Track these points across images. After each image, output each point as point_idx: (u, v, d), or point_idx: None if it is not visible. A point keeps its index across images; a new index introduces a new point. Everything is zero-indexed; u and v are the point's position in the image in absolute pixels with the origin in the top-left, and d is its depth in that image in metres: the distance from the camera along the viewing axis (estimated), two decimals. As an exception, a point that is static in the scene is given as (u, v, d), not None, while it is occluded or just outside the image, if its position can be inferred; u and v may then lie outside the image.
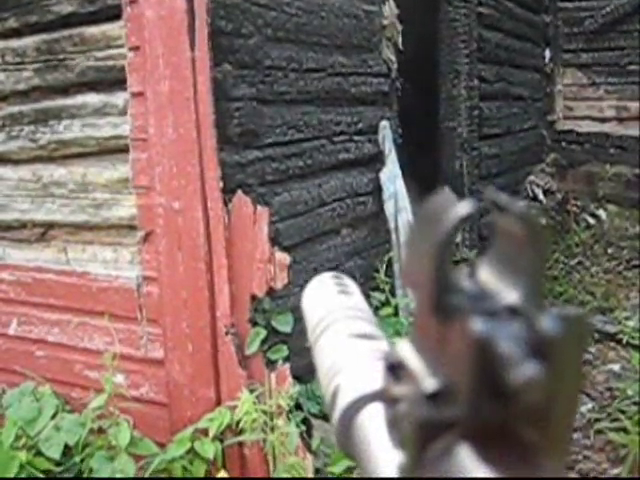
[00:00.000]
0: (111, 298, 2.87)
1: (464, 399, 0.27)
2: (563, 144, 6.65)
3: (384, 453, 0.36)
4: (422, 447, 0.28)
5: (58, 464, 2.67)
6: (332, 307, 0.51)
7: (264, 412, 2.44)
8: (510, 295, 0.28)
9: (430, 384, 0.28)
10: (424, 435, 0.28)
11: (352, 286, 0.55)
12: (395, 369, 0.32)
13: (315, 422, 2.75)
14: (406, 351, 0.31)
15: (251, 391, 2.48)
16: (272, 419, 2.42)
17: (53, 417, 2.80)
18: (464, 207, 0.28)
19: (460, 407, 0.27)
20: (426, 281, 0.29)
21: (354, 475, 2.43)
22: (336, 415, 0.43)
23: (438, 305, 0.28)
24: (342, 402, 0.43)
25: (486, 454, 0.26)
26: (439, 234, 0.28)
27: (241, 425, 2.41)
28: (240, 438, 2.44)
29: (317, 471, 2.56)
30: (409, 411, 0.29)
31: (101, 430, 2.69)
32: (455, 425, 0.28)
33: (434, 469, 0.28)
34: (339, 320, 0.50)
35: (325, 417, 2.83)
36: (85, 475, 2.60)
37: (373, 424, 0.39)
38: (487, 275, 0.30)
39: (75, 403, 2.96)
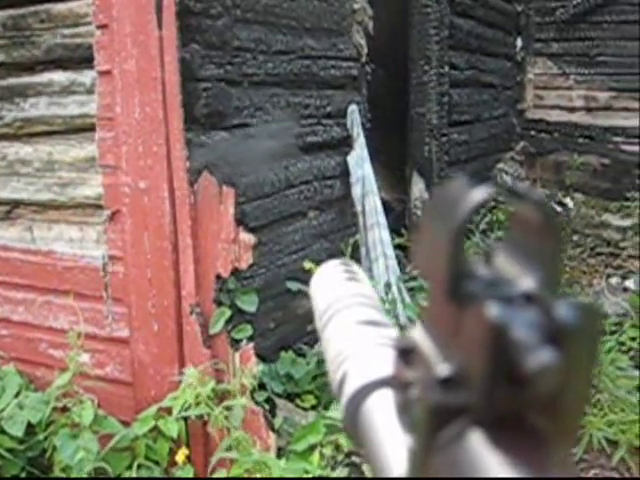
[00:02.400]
0: (76, 277, 2.87)
1: (478, 385, 0.27)
2: (532, 133, 6.72)
3: (391, 440, 0.36)
4: (434, 432, 0.28)
5: (21, 442, 2.67)
6: (340, 294, 0.51)
7: (228, 391, 2.47)
8: (526, 282, 0.28)
9: (443, 369, 0.28)
10: (436, 420, 0.28)
11: (360, 273, 0.55)
12: (406, 354, 0.32)
13: (279, 402, 2.79)
14: (418, 336, 0.31)
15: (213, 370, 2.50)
16: (235, 397, 2.44)
17: (17, 395, 2.79)
18: (479, 193, 0.28)
19: (473, 393, 0.27)
20: (440, 267, 0.29)
21: (316, 451, 2.47)
22: (343, 402, 0.43)
23: (453, 291, 0.28)
24: (349, 389, 0.42)
25: (497, 440, 0.26)
26: (454, 220, 0.28)
27: (189, 402, 2.43)
28: (185, 414, 2.45)
29: (280, 449, 2.60)
30: (421, 395, 0.29)
31: (65, 409, 2.69)
32: (467, 410, 0.27)
33: (445, 454, 0.28)
34: (347, 307, 0.49)
35: (289, 396, 2.86)
36: (48, 453, 2.61)
37: (380, 411, 0.39)
38: (503, 262, 0.30)
39: (39, 382, 2.96)
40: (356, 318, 0.48)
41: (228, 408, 2.46)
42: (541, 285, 0.28)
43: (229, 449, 2.41)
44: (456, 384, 0.28)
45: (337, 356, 0.46)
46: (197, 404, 2.42)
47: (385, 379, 0.41)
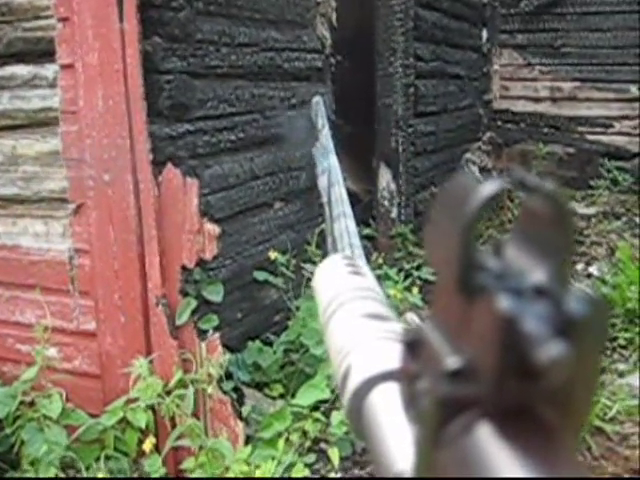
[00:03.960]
0: (43, 271, 2.87)
1: (487, 377, 0.27)
2: (499, 123, 6.81)
3: (396, 434, 0.36)
4: (441, 425, 0.28)
5: (-11, 436, 2.67)
6: (344, 287, 0.51)
7: (193, 381, 2.49)
8: (536, 274, 0.28)
9: (452, 361, 0.28)
10: (444, 412, 0.28)
11: (364, 267, 0.55)
12: (413, 346, 0.31)
13: (247, 391, 2.82)
14: (427, 328, 0.31)
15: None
16: (200, 385, 2.46)
17: (-16, 390, 2.79)
18: (490, 186, 0.28)
19: (482, 385, 0.27)
20: (451, 260, 0.28)
21: (283, 438, 2.50)
22: (347, 396, 0.42)
23: (463, 283, 0.28)
24: (353, 382, 0.42)
25: (506, 433, 0.26)
26: (466, 213, 0.28)
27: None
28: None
29: (248, 438, 2.63)
30: (430, 388, 0.29)
31: (33, 403, 2.69)
32: (476, 403, 0.27)
33: (453, 447, 0.27)
34: (351, 300, 0.50)
35: (257, 385, 2.89)
36: (16, 447, 2.61)
37: (385, 404, 0.39)
38: (513, 254, 0.30)
39: (6, 377, 2.95)
40: (360, 311, 0.48)
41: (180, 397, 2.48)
42: (551, 277, 0.28)
43: (181, 437, 2.44)
44: (465, 376, 0.28)
45: (341, 349, 0.46)
46: (158, 394, 2.45)
47: (389, 372, 0.41)
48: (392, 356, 0.40)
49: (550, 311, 0.26)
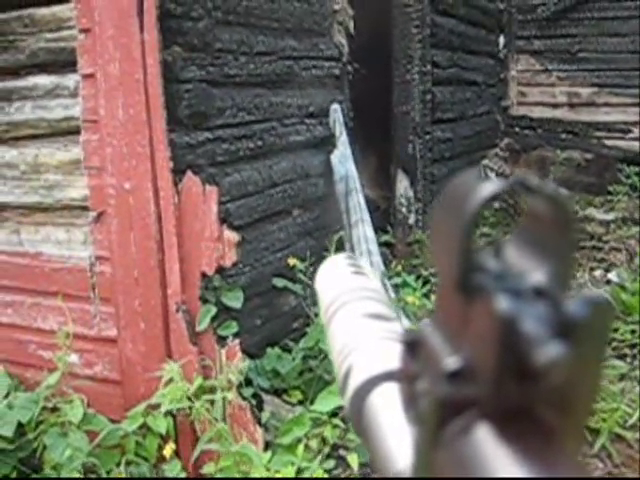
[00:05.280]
0: (64, 278, 2.91)
1: (487, 378, 0.27)
2: (516, 129, 6.79)
3: (396, 433, 0.36)
4: (441, 425, 0.28)
5: (11, 442, 2.70)
6: (346, 287, 0.51)
7: (211, 388, 2.51)
8: (536, 276, 0.28)
9: (452, 362, 0.28)
10: (443, 413, 0.28)
11: (366, 267, 0.55)
12: (413, 347, 0.32)
13: (266, 397, 2.83)
14: (426, 329, 0.31)
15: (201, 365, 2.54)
16: (222, 392, 2.48)
17: (6, 396, 2.83)
18: (489, 187, 0.28)
19: (482, 386, 0.27)
20: (451, 260, 0.28)
21: (302, 444, 2.51)
22: (348, 395, 0.43)
23: (463, 284, 0.28)
24: (355, 382, 0.42)
25: (505, 434, 0.26)
26: (465, 214, 0.28)
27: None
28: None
29: (267, 444, 2.64)
30: (429, 388, 0.29)
31: (55, 409, 2.72)
32: (475, 404, 0.27)
33: (451, 448, 0.27)
34: (352, 300, 0.50)
35: (276, 392, 2.91)
36: (39, 452, 2.64)
37: (385, 404, 0.39)
38: (513, 255, 0.30)
39: (29, 383, 2.99)
40: (362, 311, 0.48)
41: (212, 402, 2.50)
42: (551, 279, 0.28)
43: (210, 441, 2.46)
44: (464, 377, 0.28)
45: (343, 349, 0.46)
46: (182, 399, 2.46)
47: (390, 372, 0.41)
48: (393, 356, 0.39)
49: (549, 312, 0.26)
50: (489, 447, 0.26)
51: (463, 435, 0.27)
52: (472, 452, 0.26)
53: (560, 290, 0.27)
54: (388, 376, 0.41)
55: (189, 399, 2.47)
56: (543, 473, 0.25)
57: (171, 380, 2.44)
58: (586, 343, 0.26)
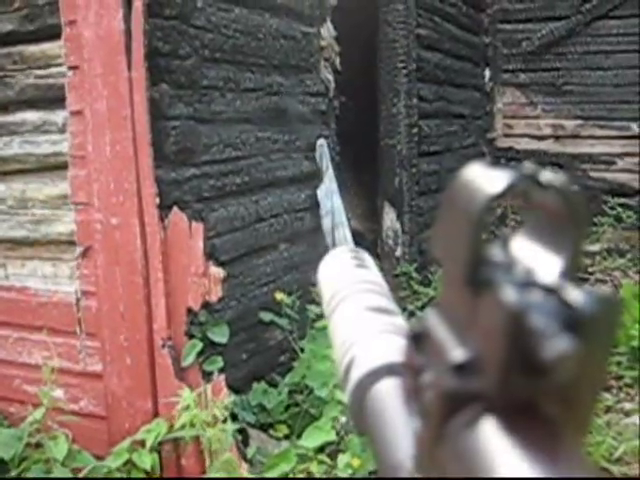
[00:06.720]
0: (50, 313, 2.91)
1: (493, 371, 0.26)
2: (502, 161, 6.86)
3: (398, 427, 0.36)
4: (445, 418, 0.28)
5: (-6, 478, 2.68)
6: (348, 280, 0.51)
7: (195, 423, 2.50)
8: (545, 270, 0.28)
9: (458, 354, 0.28)
10: (448, 406, 0.28)
11: (369, 260, 0.55)
12: (418, 340, 0.31)
13: (252, 432, 2.82)
14: (432, 322, 0.31)
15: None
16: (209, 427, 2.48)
17: (-10, 432, 2.81)
18: (503, 179, 0.28)
19: (488, 379, 0.27)
20: (459, 254, 0.28)
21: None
22: (349, 388, 0.43)
23: (470, 277, 0.28)
24: (356, 375, 0.42)
25: (510, 428, 0.26)
26: (475, 207, 0.28)
27: (179, 424, 2.47)
28: (177, 434, 2.49)
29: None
30: (435, 381, 0.29)
31: (39, 445, 2.71)
32: (481, 397, 0.27)
33: (455, 441, 0.27)
34: (354, 293, 0.49)
35: (262, 427, 2.90)
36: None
37: (387, 397, 0.39)
38: (521, 249, 0.29)
39: (13, 418, 2.97)
40: (364, 305, 0.48)
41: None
42: (560, 273, 0.27)
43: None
44: (470, 370, 0.27)
45: (344, 342, 0.46)
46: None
47: (392, 365, 0.40)
48: (395, 349, 0.40)
49: (558, 306, 0.26)
50: (493, 441, 0.26)
51: (468, 429, 0.27)
52: (477, 446, 0.26)
53: (569, 284, 0.27)
54: (390, 369, 0.40)
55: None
56: (548, 469, 0.24)
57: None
58: (594, 338, 0.26)
